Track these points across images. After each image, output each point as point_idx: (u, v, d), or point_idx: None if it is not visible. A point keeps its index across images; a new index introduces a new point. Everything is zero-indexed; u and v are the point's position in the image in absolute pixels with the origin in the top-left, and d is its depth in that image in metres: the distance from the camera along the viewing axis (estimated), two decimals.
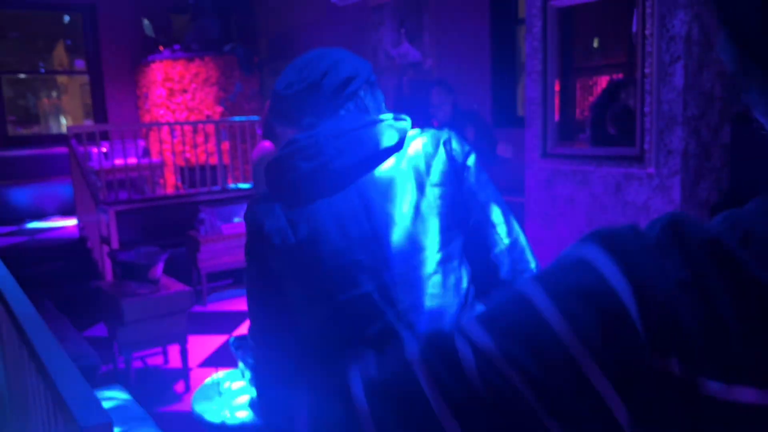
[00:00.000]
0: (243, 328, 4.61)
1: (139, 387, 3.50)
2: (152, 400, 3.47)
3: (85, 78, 18.94)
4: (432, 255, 1.20)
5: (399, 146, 1.25)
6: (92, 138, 6.01)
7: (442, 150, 1.27)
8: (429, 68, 5.89)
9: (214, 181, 6.54)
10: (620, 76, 5.08)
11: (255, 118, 6.80)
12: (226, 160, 6.76)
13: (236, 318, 4.86)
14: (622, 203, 3.77)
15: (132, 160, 6.35)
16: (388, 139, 1.23)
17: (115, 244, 4.80)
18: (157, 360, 4.01)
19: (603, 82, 5.38)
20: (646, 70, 3.49)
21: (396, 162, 1.24)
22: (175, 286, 3.60)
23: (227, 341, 4.37)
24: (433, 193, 1.23)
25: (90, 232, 5.42)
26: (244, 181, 6.67)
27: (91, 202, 5.17)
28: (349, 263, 1.17)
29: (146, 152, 7.54)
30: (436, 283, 1.19)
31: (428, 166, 1.24)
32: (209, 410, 2.38)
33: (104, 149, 6.29)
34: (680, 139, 3.45)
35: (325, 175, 1.19)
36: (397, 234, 1.19)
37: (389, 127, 1.24)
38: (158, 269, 3.55)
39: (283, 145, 1.24)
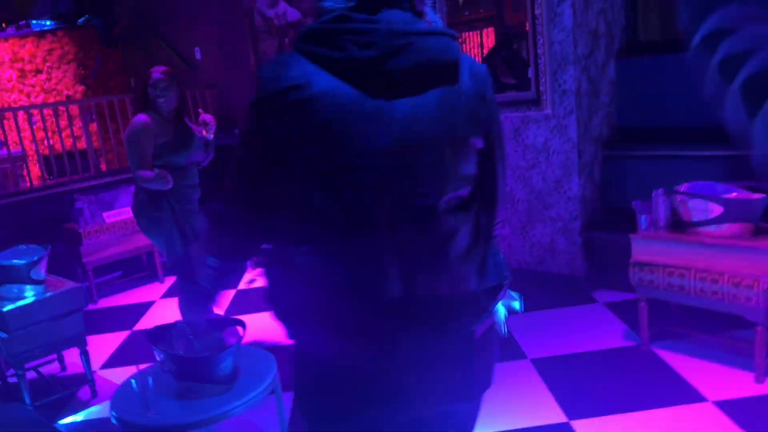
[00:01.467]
0: (144, 322, 4.27)
1: (37, 400, 3.13)
2: (55, 413, 3.12)
3: None
4: (449, 195, 1.12)
5: (455, 70, 1.11)
6: None
7: (486, 88, 1.17)
8: None
9: (86, 168, 5.96)
10: (491, 29, 5.15)
11: (121, 96, 6.23)
12: (96, 143, 6.18)
13: (133, 311, 4.49)
14: (522, 147, 3.84)
15: None
16: (448, 57, 1.10)
17: None
18: (53, 368, 3.61)
19: (474, 37, 5.42)
20: (537, 11, 3.53)
21: (448, 87, 1.10)
22: (64, 284, 3.22)
23: (128, 337, 4.04)
24: (468, 131, 1.13)
25: None
26: (120, 164, 6.14)
27: None
28: (367, 175, 1.06)
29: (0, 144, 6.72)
30: (449, 225, 1.13)
31: (473, 103, 1.14)
32: (132, 412, 2.14)
33: None
34: (573, 78, 3.54)
35: (373, 73, 1.05)
36: (424, 162, 1.08)
37: (451, 42, 1.11)
38: (41, 268, 3.15)
39: (329, 17, 1.07)
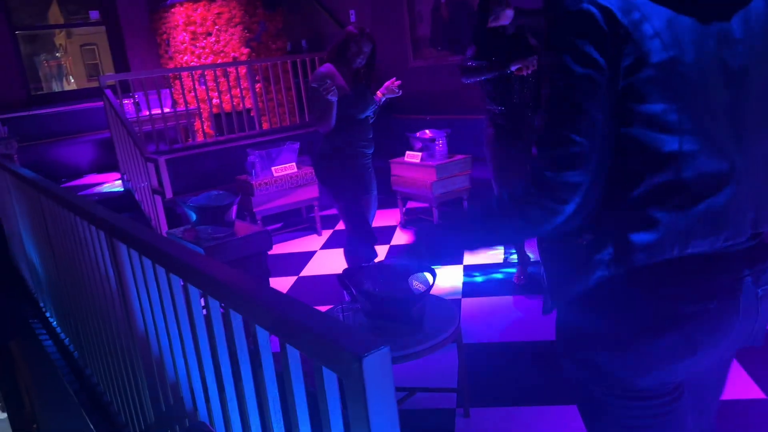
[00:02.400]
0: (309, 269, 4.53)
1: None
2: None
3: (86, 38, 18.32)
4: None
5: None
6: (126, 88, 5.82)
7: None
8: None
9: (252, 126, 6.36)
10: None
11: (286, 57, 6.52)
12: (260, 103, 6.56)
13: (297, 259, 4.78)
14: None
15: (165, 110, 6.14)
16: None
17: (169, 194, 4.68)
18: None
19: None
20: None
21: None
22: (251, 228, 3.49)
23: (296, 282, 4.31)
24: None
25: (137, 185, 5.29)
26: (281, 123, 6.48)
27: (136, 153, 5.02)
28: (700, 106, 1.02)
29: (173, 102, 7.32)
30: None
31: None
32: None
33: (136, 99, 6.11)
34: None
35: None
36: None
37: None
38: (233, 212, 3.43)
39: None
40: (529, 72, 3.26)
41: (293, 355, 1.00)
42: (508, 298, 3.63)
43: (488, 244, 1.28)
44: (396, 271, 2.48)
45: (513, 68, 3.28)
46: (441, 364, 2.93)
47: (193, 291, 1.42)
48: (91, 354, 2.74)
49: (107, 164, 6.81)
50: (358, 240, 3.49)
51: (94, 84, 11.19)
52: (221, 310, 1.32)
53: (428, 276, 2.39)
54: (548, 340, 3.04)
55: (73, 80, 18.49)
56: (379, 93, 3.40)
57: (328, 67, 3.23)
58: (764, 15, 1.06)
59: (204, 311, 1.40)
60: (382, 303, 2.26)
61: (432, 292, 2.40)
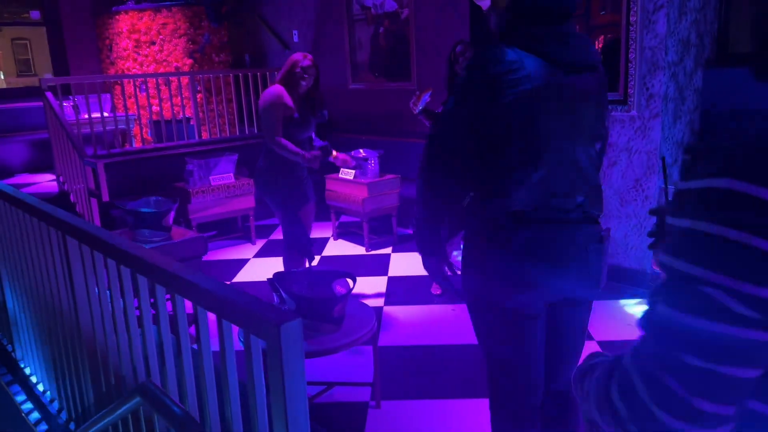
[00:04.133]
0: (241, 275, 4.75)
1: None
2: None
3: (19, 33, 17.79)
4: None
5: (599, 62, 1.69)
6: (66, 90, 5.88)
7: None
8: (406, 18, 5.98)
9: (191, 134, 6.51)
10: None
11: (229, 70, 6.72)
12: (201, 113, 6.72)
13: (230, 266, 4.98)
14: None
15: (105, 114, 6.22)
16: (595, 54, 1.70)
17: (105, 198, 4.80)
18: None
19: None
20: (632, 18, 3.74)
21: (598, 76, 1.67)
22: (186, 234, 3.69)
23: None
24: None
25: (73, 187, 5.36)
26: (220, 133, 6.65)
27: (74, 156, 5.11)
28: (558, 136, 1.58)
29: (113, 107, 7.37)
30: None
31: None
32: None
33: (75, 102, 6.16)
34: (661, 83, 3.74)
35: (559, 67, 1.55)
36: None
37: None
38: (171, 217, 3.63)
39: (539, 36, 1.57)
40: (418, 110, 3.79)
41: (227, 327, 1.28)
42: (425, 307, 3.97)
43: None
44: (321, 276, 2.77)
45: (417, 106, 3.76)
46: (358, 363, 3.22)
47: (142, 280, 1.67)
48: (26, 347, 2.88)
49: (41, 165, 6.80)
50: (295, 247, 3.73)
51: (25, 80, 10.93)
52: (167, 296, 1.57)
53: (349, 281, 2.69)
54: (457, 344, 3.39)
55: (2, 76, 17.87)
56: (335, 153, 3.77)
57: (278, 89, 3.51)
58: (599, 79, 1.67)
59: (151, 300, 1.65)
60: (306, 303, 2.54)
61: (358, 299, 2.70)
